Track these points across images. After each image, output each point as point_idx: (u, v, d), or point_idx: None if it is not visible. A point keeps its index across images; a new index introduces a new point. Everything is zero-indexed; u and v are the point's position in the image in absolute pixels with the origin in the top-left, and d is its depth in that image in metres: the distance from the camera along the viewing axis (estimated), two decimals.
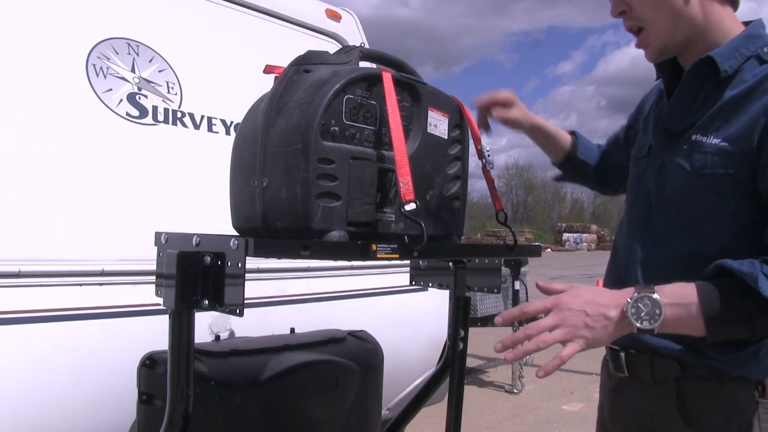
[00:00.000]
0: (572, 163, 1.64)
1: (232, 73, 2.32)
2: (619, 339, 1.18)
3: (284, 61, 1.26)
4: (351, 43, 2.70)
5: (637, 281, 1.21)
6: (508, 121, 1.50)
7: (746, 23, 1.20)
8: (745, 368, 1.12)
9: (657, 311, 1.00)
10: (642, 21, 1.18)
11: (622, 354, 1.26)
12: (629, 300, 1.01)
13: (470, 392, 4.71)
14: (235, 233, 1.24)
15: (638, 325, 1.00)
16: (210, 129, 2.19)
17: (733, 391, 1.13)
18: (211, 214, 1.64)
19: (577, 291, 1.04)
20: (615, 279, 1.31)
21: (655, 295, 1.00)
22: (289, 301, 2.19)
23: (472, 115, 1.38)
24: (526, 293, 5.60)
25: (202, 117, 2.17)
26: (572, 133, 1.64)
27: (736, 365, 1.12)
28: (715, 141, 1.12)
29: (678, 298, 1.01)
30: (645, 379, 1.23)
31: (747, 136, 1.08)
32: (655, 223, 1.22)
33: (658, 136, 1.26)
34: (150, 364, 1.46)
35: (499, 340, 1.02)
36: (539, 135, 1.59)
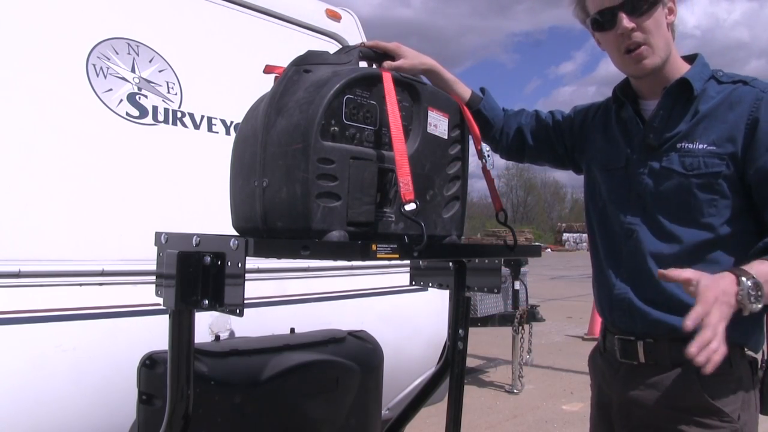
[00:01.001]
0: (472, 116, 1.62)
1: (232, 73, 2.32)
2: (635, 329, 1.40)
3: (284, 61, 1.26)
4: (351, 44, 2.70)
5: (651, 272, 1.35)
6: (400, 70, 1.44)
7: (689, 57, 1.46)
8: (744, 337, 1.33)
9: (760, 293, 1.14)
10: (646, 40, 1.36)
11: (639, 343, 1.39)
12: (739, 288, 1.14)
13: (470, 392, 4.71)
14: (235, 233, 1.24)
15: (753, 307, 1.14)
16: (210, 129, 2.19)
17: (738, 369, 1.33)
18: (211, 214, 1.64)
19: (716, 284, 1.14)
20: (623, 276, 1.43)
21: (757, 280, 1.15)
22: (289, 301, 2.19)
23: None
24: (526, 293, 5.60)
25: (202, 117, 2.17)
26: (482, 90, 1.71)
27: (743, 335, 1.32)
28: (701, 146, 1.35)
29: (763, 275, 1.17)
30: (663, 363, 1.36)
31: (731, 140, 1.33)
32: (656, 220, 1.39)
33: (639, 149, 1.43)
34: (150, 364, 1.46)
35: (692, 345, 1.10)
36: (436, 80, 1.59)
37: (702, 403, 1.31)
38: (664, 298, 1.35)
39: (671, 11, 1.40)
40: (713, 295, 1.11)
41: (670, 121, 1.40)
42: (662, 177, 1.38)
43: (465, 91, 1.65)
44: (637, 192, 1.42)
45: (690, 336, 1.29)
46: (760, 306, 1.15)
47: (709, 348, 1.08)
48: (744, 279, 1.14)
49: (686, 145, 1.36)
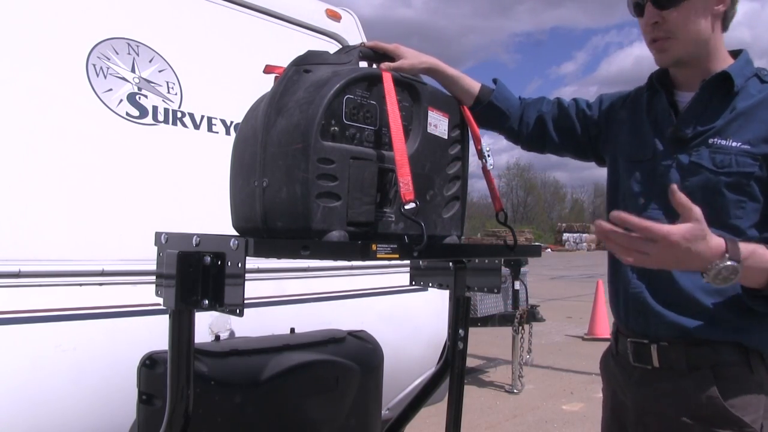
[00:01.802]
0: (484, 109, 1.59)
1: (232, 73, 2.32)
2: (648, 331, 1.36)
3: (284, 61, 1.26)
4: (351, 44, 2.70)
5: (668, 271, 1.30)
6: (400, 71, 1.43)
7: (734, 52, 1.40)
8: (764, 343, 1.28)
9: (731, 277, 1.11)
10: (671, 33, 1.33)
11: (653, 346, 1.34)
12: (717, 262, 1.10)
13: (470, 392, 4.71)
14: (235, 233, 1.24)
15: (713, 282, 1.11)
16: (210, 129, 2.19)
17: (759, 375, 1.28)
18: (211, 214, 1.64)
19: (702, 233, 1.09)
20: (639, 274, 1.37)
21: (739, 266, 1.10)
22: (289, 301, 2.19)
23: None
24: (526, 293, 5.59)
25: (202, 117, 2.17)
26: (495, 81, 1.65)
27: (762, 341, 1.28)
28: (735, 144, 1.29)
29: (754, 262, 1.14)
30: (679, 368, 1.31)
31: (766, 140, 1.27)
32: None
33: (668, 142, 1.37)
34: (150, 364, 1.46)
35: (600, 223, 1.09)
36: (439, 78, 1.56)
37: (721, 412, 1.25)
38: (680, 300, 1.31)
39: (720, 0, 1.33)
40: (692, 235, 1.06)
41: (705, 114, 1.34)
42: (690, 172, 1.32)
43: (473, 85, 1.59)
44: (662, 186, 1.33)
45: (707, 341, 1.28)
46: (720, 285, 1.12)
47: (610, 233, 1.06)
48: (729, 262, 1.09)
49: (719, 141, 1.30)
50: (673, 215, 1.23)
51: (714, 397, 1.26)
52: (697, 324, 1.29)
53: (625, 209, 1.40)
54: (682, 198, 1.08)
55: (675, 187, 1.09)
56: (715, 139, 1.31)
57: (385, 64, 1.40)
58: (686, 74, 1.40)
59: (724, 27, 1.38)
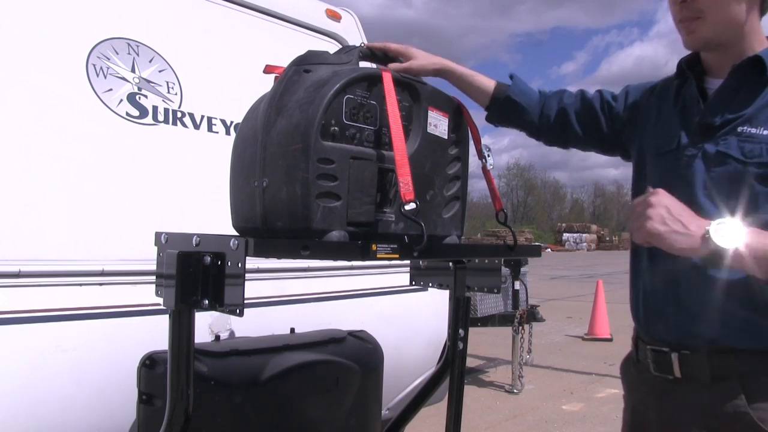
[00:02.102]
0: (501, 105, 1.56)
1: (232, 73, 2.32)
2: (670, 338, 1.26)
3: (284, 61, 1.26)
4: (351, 43, 2.70)
5: (690, 273, 1.22)
6: (409, 72, 1.41)
7: None
8: None
9: (737, 236, 1.04)
10: (701, 12, 1.24)
11: (674, 355, 1.25)
12: (713, 223, 1.06)
13: (470, 392, 4.71)
14: (235, 233, 1.24)
15: (717, 242, 1.04)
16: (210, 129, 2.19)
17: None
18: (211, 214, 1.64)
19: (670, 197, 1.09)
20: (661, 276, 1.30)
21: (725, 252, 1.05)
22: (289, 301, 2.19)
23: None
24: (526, 293, 5.59)
25: (202, 117, 2.17)
26: (511, 76, 1.60)
27: None
28: (767, 132, 1.20)
29: (759, 234, 1.07)
30: (702, 378, 1.22)
31: None
32: (704, 210, 1.21)
33: (695, 131, 1.29)
34: (150, 364, 1.46)
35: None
36: (452, 79, 1.53)
37: (749, 427, 1.15)
38: (702, 304, 1.21)
39: None
40: (654, 191, 1.08)
41: (735, 101, 1.25)
42: (716, 162, 1.23)
43: (487, 83, 1.55)
44: (686, 177, 1.27)
45: (733, 349, 1.18)
46: (727, 247, 1.05)
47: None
48: (713, 243, 1.04)
49: (749, 129, 1.22)
50: (696, 211, 1.16)
51: (742, 410, 1.16)
52: (721, 330, 1.20)
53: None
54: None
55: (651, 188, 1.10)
56: (745, 128, 1.22)
57: (394, 65, 1.37)
58: (718, 59, 1.30)
59: (763, 11, 1.28)
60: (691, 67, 1.36)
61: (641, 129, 1.45)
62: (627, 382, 1.43)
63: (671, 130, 1.35)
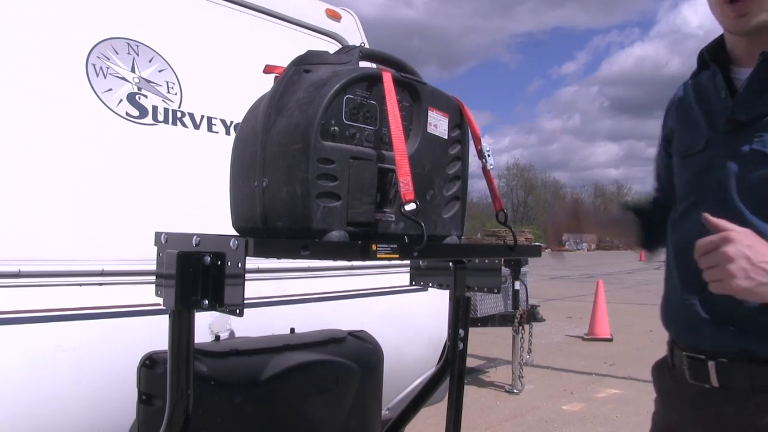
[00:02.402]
0: (657, 233, 1.44)
1: (232, 73, 2.32)
2: (703, 346, 1.18)
3: (284, 61, 1.26)
4: (351, 43, 2.70)
5: None
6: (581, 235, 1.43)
7: None
8: None
9: None
10: None
11: (711, 363, 1.17)
12: None
13: (470, 392, 4.71)
14: (235, 233, 1.24)
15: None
16: (210, 129, 2.19)
17: None
18: (211, 214, 1.64)
19: (747, 233, 1.00)
20: (691, 282, 1.20)
21: None
22: (289, 301, 2.19)
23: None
24: (526, 293, 5.59)
25: (202, 117, 2.17)
26: (624, 205, 1.53)
27: None
28: None
29: None
30: (741, 389, 1.14)
31: None
32: (738, 214, 1.13)
33: (723, 128, 1.19)
34: (150, 364, 1.46)
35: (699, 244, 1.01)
36: (614, 235, 1.52)
37: None
38: (739, 313, 1.12)
39: None
40: (726, 237, 0.97)
41: (766, 95, 1.14)
42: (750, 162, 1.13)
43: (622, 215, 1.50)
44: (717, 179, 1.17)
45: None
46: None
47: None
48: None
49: None
50: (727, 216, 1.08)
51: None
52: (761, 340, 1.11)
53: (675, 212, 1.29)
54: (719, 222, 1.00)
55: (707, 216, 1.01)
56: None
57: (565, 237, 1.40)
58: (746, 45, 1.19)
59: None
60: (714, 57, 1.25)
61: (673, 135, 1.37)
62: (660, 387, 1.36)
63: (697, 128, 1.25)
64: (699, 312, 1.19)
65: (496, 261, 1.58)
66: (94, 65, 1.93)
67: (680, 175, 1.29)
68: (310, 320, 1.99)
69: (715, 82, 1.22)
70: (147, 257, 1.31)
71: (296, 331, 1.86)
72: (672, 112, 1.39)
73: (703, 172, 1.22)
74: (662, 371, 1.35)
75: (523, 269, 5.54)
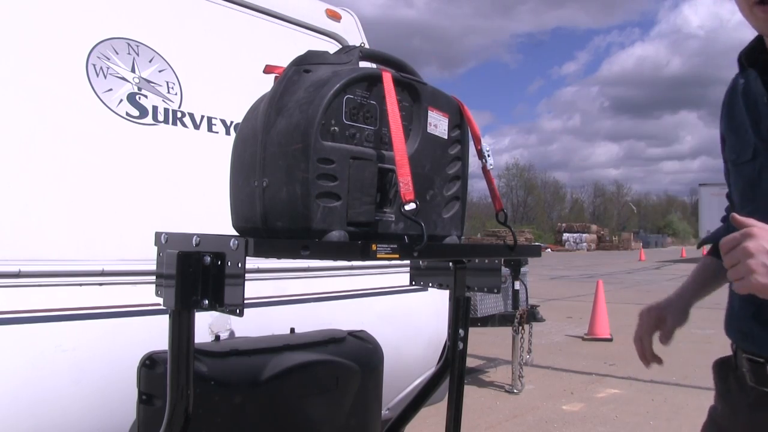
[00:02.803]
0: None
1: (232, 73, 2.32)
2: (763, 351, 1.14)
3: (284, 61, 1.26)
4: (351, 43, 2.70)
5: None
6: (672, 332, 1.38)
7: None
8: None
9: None
10: None
11: None
12: None
13: (470, 392, 4.71)
14: (235, 233, 1.24)
15: None
16: (210, 129, 2.19)
17: None
18: (211, 214, 1.64)
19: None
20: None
21: None
22: (289, 301, 2.19)
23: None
24: (526, 293, 5.59)
25: (202, 117, 2.17)
26: (710, 240, 1.45)
27: None
28: None
29: None
30: None
31: None
32: None
33: (766, 136, 1.14)
34: (150, 364, 1.46)
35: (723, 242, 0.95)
36: (713, 290, 1.44)
37: None
38: None
39: None
40: (748, 233, 0.91)
41: None
42: None
43: (704, 269, 1.44)
44: (766, 190, 1.13)
45: None
46: None
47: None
48: None
49: None
50: None
51: None
52: None
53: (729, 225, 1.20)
54: (744, 220, 0.95)
55: (735, 216, 0.96)
56: None
57: (659, 342, 1.36)
58: None
59: None
60: (752, 59, 1.19)
61: (723, 142, 1.32)
62: (720, 386, 1.32)
63: (744, 136, 1.19)
64: (753, 325, 1.16)
65: (496, 261, 1.58)
66: (94, 65, 1.93)
67: (735, 183, 1.24)
68: (310, 320, 1.99)
69: (756, 86, 1.17)
70: (147, 257, 1.31)
71: (296, 331, 1.86)
72: (723, 115, 1.33)
73: (754, 184, 1.17)
74: (725, 370, 1.31)
75: (523, 269, 5.54)
